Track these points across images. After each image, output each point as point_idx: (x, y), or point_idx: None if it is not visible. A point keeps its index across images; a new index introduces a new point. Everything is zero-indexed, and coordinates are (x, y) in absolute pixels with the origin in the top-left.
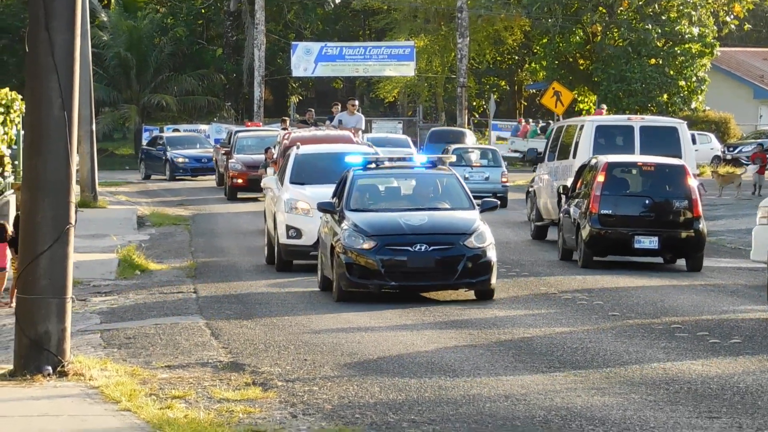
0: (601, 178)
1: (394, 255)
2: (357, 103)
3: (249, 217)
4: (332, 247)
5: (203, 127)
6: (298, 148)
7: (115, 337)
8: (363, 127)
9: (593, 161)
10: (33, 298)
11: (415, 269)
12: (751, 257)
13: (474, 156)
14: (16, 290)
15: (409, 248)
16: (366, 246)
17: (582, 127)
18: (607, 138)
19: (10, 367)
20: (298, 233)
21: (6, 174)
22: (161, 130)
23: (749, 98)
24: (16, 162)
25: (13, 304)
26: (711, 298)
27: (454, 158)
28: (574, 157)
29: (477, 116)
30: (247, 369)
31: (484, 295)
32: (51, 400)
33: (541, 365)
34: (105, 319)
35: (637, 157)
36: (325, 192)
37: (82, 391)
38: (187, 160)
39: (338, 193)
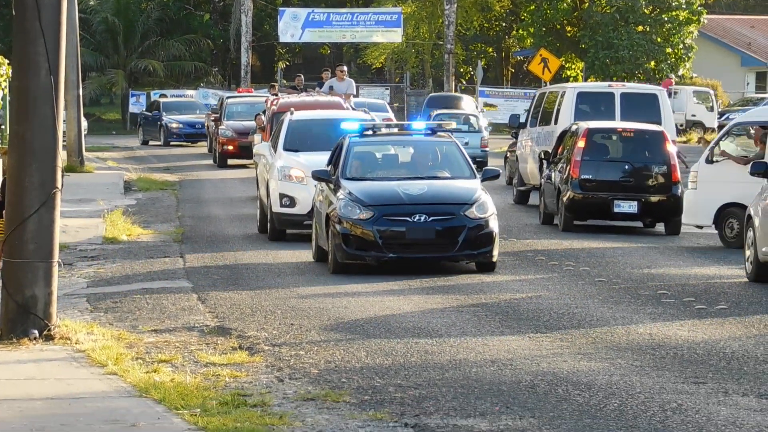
0: (581, 143)
1: (393, 226)
2: (346, 68)
3: (236, 184)
4: (327, 217)
5: (190, 92)
6: (292, 113)
7: (102, 302)
8: (354, 93)
9: (574, 127)
10: (20, 262)
11: (414, 240)
12: (682, 221)
13: (455, 121)
14: (2, 254)
15: (408, 219)
16: (363, 216)
17: (563, 93)
18: (588, 104)
19: None
20: (292, 202)
21: None
22: (148, 96)
23: (736, 66)
24: (3, 127)
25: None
26: (696, 264)
27: (453, 124)
28: (555, 123)
29: (464, 83)
30: (233, 333)
31: (486, 267)
32: (37, 363)
33: (528, 330)
34: (91, 283)
35: (617, 123)
36: (319, 159)
37: (68, 354)
38: (181, 125)
39: (334, 161)
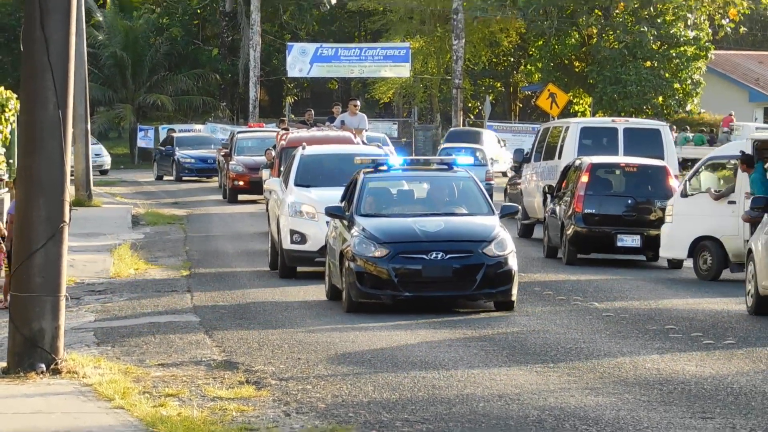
0: (585, 178)
1: (409, 263)
2: (359, 103)
3: (246, 219)
4: (342, 255)
5: (198, 126)
6: (303, 148)
7: (109, 336)
8: (366, 128)
9: (577, 162)
10: (27, 296)
11: (430, 279)
12: (660, 254)
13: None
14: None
15: (425, 256)
16: (378, 254)
17: (567, 128)
18: (591, 139)
19: (4, 364)
20: (303, 238)
21: (0, 172)
22: (156, 130)
23: (744, 101)
24: (11, 160)
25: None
26: (699, 296)
27: (471, 160)
28: (559, 157)
29: (473, 117)
30: (240, 367)
31: (504, 306)
32: (44, 397)
33: (535, 364)
34: (99, 317)
35: (620, 159)
36: (331, 195)
37: (75, 388)
38: (192, 160)
39: (347, 197)
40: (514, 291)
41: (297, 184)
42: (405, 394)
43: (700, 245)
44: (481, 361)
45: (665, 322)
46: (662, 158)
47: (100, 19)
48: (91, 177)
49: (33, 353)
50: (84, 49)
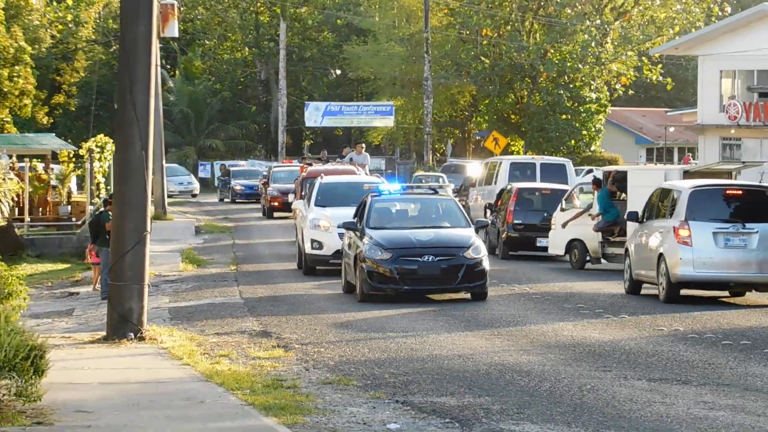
0: (513, 198)
1: (407, 264)
2: (364, 145)
3: (278, 230)
4: (356, 258)
5: (242, 162)
6: (322, 178)
7: (179, 313)
8: (369, 163)
9: (509, 187)
10: (121, 284)
11: (424, 276)
12: (549, 252)
13: (425, 181)
14: (99, 277)
15: (419, 259)
16: (384, 257)
17: (501, 163)
18: (518, 171)
19: (104, 334)
20: (320, 245)
21: (101, 195)
22: (212, 165)
23: (632, 144)
24: (108, 187)
25: (98, 287)
26: (604, 284)
27: (452, 186)
28: (495, 183)
29: (438, 155)
30: (273, 336)
31: (479, 297)
32: (133, 357)
33: (485, 332)
34: (171, 300)
35: (538, 185)
36: (342, 213)
37: (155, 351)
38: (242, 187)
39: (359, 214)
40: (487, 285)
41: (317, 205)
42: (391, 355)
43: (571, 245)
44: (445, 330)
45: (577, 301)
46: (567, 184)
47: (171, 85)
48: (166, 198)
49: (124, 326)
50: (160, 106)
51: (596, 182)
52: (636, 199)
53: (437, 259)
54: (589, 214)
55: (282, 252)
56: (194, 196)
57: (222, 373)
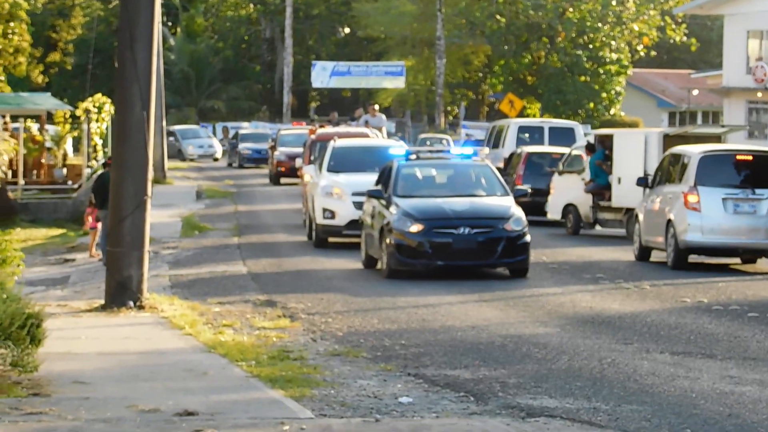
0: (523, 163)
1: (441, 237)
2: (377, 106)
3: (283, 196)
4: (382, 229)
5: (245, 124)
6: (335, 141)
7: (180, 281)
8: (386, 126)
9: (518, 150)
10: (119, 250)
11: (459, 250)
12: (548, 217)
13: (430, 143)
14: (95, 244)
15: (454, 231)
16: (414, 229)
17: (509, 126)
18: (526, 134)
19: (102, 302)
20: (332, 215)
21: (98, 158)
22: (214, 127)
23: (653, 107)
24: (106, 149)
25: (93, 254)
26: (605, 250)
27: (487, 150)
28: (503, 147)
29: (451, 118)
30: (278, 305)
31: (519, 273)
32: (132, 326)
33: (499, 303)
34: (172, 266)
35: (548, 148)
36: (357, 180)
37: (155, 320)
38: (250, 152)
39: (383, 181)
40: (529, 261)
41: (329, 170)
42: (401, 326)
43: (567, 210)
44: (458, 301)
45: (595, 271)
46: None
47: (173, 43)
48: (166, 161)
49: (124, 294)
50: (161, 65)
51: (589, 147)
52: (621, 162)
53: (474, 231)
54: (582, 179)
55: (288, 222)
56: (216, 159)
57: (225, 343)
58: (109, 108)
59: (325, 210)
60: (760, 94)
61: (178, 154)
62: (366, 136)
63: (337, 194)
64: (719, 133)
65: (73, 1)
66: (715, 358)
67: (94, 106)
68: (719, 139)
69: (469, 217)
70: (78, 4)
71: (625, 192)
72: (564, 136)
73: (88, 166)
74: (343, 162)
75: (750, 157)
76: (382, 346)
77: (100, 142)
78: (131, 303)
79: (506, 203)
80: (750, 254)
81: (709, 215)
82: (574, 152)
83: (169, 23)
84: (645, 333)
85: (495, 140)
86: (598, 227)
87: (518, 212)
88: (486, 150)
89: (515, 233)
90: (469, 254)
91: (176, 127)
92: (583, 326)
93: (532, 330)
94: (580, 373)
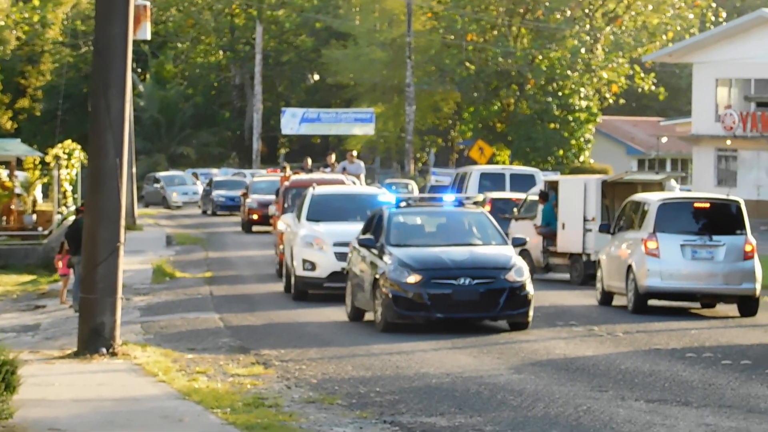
0: (488, 207)
1: (440, 288)
2: (355, 152)
3: (256, 243)
4: (375, 281)
5: (215, 170)
6: (314, 188)
7: (152, 327)
8: (363, 173)
9: (482, 197)
10: (93, 297)
11: (459, 302)
12: None
13: (395, 187)
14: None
15: (454, 282)
16: (412, 280)
17: (471, 173)
18: (488, 181)
19: (75, 348)
20: (313, 266)
21: (68, 204)
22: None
23: (623, 154)
24: (76, 195)
25: (64, 301)
26: (587, 297)
27: (480, 198)
28: (466, 192)
29: (421, 165)
30: (251, 352)
31: (520, 326)
32: (106, 373)
33: (473, 351)
34: (144, 313)
35: (510, 194)
36: (338, 229)
37: (128, 367)
38: (223, 199)
39: (373, 230)
40: (531, 313)
41: (308, 219)
42: (376, 373)
43: (521, 254)
44: (431, 348)
45: (565, 317)
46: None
47: (142, 89)
48: (136, 208)
49: (97, 340)
50: (132, 112)
51: (542, 195)
52: (564, 208)
53: (475, 282)
54: (534, 224)
55: (258, 265)
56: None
57: (200, 390)
58: (78, 154)
59: (305, 261)
60: (729, 142)
61: (162, 201)
62: (342, 183)
63: (317, 244)
64: (659, 179)
65: (42, 47)
66: (691, 405)
67: (63, 152)
68: (661, 185)
69: (470, 267)
70: (47, 50)
71: (568, 237)
72: (524, 183)
73: (58, 213)
74: (323, 210)
75: (707, 205)
76: (357, 393)
77: (69, 188)
78: (104, 350)
79: (507, 252)
80: (708, 299)
81: (667, 261)
82: (530, 198)
83: (139, 69)
84: (620, 380)
85: (459, 186)
86: (550, 273)
87: (519, 262)
88: (480, 197)
89: (518, 284)
90: (470, 306)
91: (162, 174)
92: (558, 373)
93: (507, 377)
94: (557, 420)
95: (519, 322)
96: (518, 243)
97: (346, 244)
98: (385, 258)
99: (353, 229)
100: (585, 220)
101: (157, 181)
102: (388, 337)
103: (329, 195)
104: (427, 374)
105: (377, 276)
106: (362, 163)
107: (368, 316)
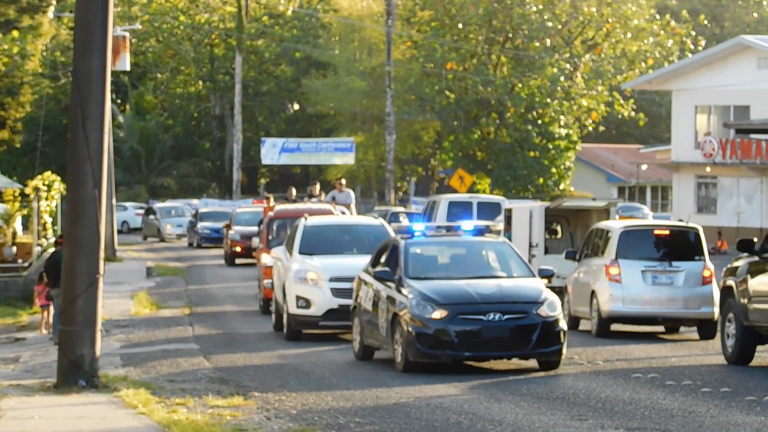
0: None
1: (468, 324)
2: (344, 181)
3: (239, 277)
4: (394, 316)
5: (195, 201)
6: (306, 219)
7: (132, 359)
8: (354, 202)
9: (500, 225)
10: (72, 329)
11: (489, 339)
12: None
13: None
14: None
15: (483, 317)
16: (437, 315)
17: (440, 202)
18: (456, 209)
19: (55, 381)
20: (308, 303)
21: (48, 236)
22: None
23: (603, 182)
24: (56, 227)
25: (44, 332)
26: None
27: (500, 227)
28: (435, 221)
29: (401, 194)
30: (231, 383)
31: (551, 365)
32: (86, 406)
33: (452, 381)
34: (124, 345)
35: (475, 222)
36: (334, 263)
37: (108, 399)
38: (208, 231)
39: (387, 262)
40: (564, 350)
41: (301, 252)
42: (356, 403)
43: None
44: (411, 379)
45: None
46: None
47: (122, 120)
48: (116, 239)
49: (76, 373)
50: (111, 143)
51: (507, 222)
52: (516, 233)
53: (505, 317)
54: None
55: (240, 293)
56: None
57: (180, 422)
58: (58, 186)
59: (299, 298)
60: (708, 169)
61: (157, 233)
62: (330, 213)
63: (312, 280)
64: (603, 206)
65: (22, 78)
66: None
67: (43, 184)
68: (607, 212)
69: (499, 301)
70: (27, 82)
71: None
72: (491, 210)
73: (38, 245)
74: (317, 243)
75: (667, 232)
76: (337, 424)
77: (49, 220)
78: (84, 382)
79: (537, 285)
80: (669, 323)
81: (629, 286)
82: (496, 227)
83: (119, 100)
84: (599, 409)
85: (429, 214)
86: None
87: (551, 296)
88: (499, 226)
89: (551, 319)
90: (501, 344)
91: (159, 205)
92: (538, 402)
93: (487, 406)
94: None
95: (552, 360)
96: (546, 275)
97: (343, 279)
98: (405, 291)
99: (350, 262)
100: (530, 245)
101: (152, 212)
102: (368, 366)
103: (323, 226)
104: (407, 404)
105: (397, 312)
106: (352, 193)
107: (378, 354)
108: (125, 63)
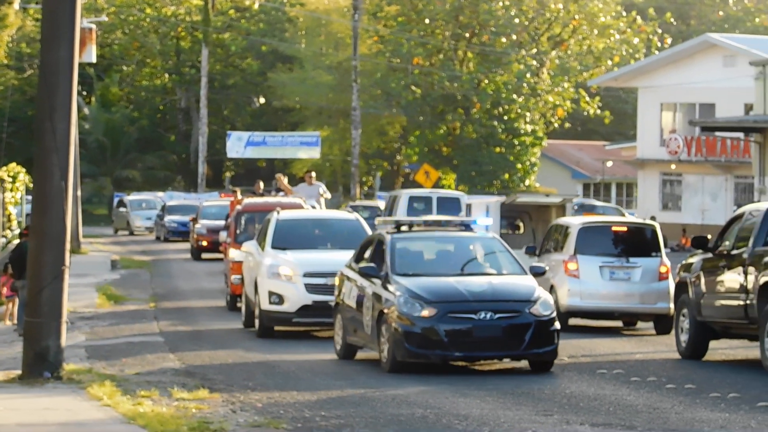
0: None
1: (458, 323)
2: (314, 174)
3: (204, 271)
4: (380, 314)
5: (160, 194)
6: (278, 213)
7: (97, 351)
8: (323, 193)
9: (489, 220)
10: (37, 321)
11: (480, 339)
12: None
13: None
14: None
15: (474, 316)
16: (426, 313)
17: (400, 196)
18: (416, 203)
19: (19, 372)
20: (281, 299)
21: (12, 227)
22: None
23: (568, 178)
24: (20, 219)
25: (8, 323)
26: None
27: (491, 221)
28: (395, 215)
29: (366, 189)
30: (197, 376)
31: (544, 366)
32: (51, 397)
33: (419, 375)
34: (89, 338)
35: (436, 217)
36: (308, 257)
37: (73, 391)
38: (175, 225)
39: (370, 257)
40: (557, 351)
41: (273, 247)
42: (321, 397)
43: None
44: (377, 374)
45: None
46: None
47: (87, 112)
48: (80, 231)
49: (41, 364)
50: (77, 135)
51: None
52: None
53: (497, 316)
54: None
55: (205, 286)
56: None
57: (145, 414)
58: (23, 177)
59: (271, 293)
60: (673, 166)
61: (127, 226)
62: (300, 206)
63: (285, 276)
64: (559, 202)
65: None
66: (636, 429)
67: (8, 176)
68: (563, 208)
69: (490, 299)
70: None
71: None
72: (451, 205)
73: (3, 236)
74: (290, 237)
75: (625, 228)
76: (302, 417)
77: (14, 211)
78: (49, 374)
79: (529, 283)
80: (626, 318)
81: (587, 281)
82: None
83: (84, 92)
84: (565, 404)
85: (390, 209)
86: None
87: (544, 294)
88: (489, 220)
89: (544, 318)
90: (493, 344)
91: (130, 197)
92: (504, 397)
93: (453, 400)
94: None
95: (545, 361)
96: (537, 272)
97: (318, 275)
98: (392, 288)
99: (325, 257)
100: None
101: (123, 204)
102: (332, 364)
103: (296, 220)
104: (372, 398)
105: (384, 309)
106: (322, 185)
107: (361, 354)
108: (92, 55)
